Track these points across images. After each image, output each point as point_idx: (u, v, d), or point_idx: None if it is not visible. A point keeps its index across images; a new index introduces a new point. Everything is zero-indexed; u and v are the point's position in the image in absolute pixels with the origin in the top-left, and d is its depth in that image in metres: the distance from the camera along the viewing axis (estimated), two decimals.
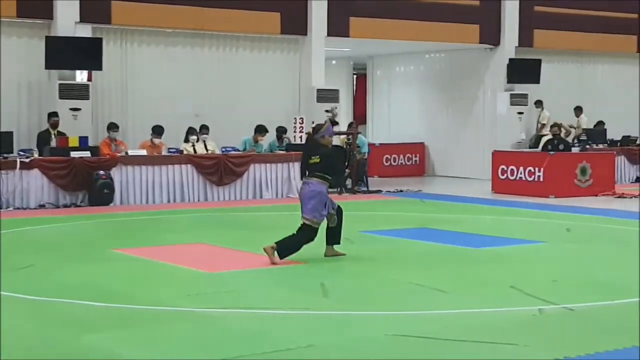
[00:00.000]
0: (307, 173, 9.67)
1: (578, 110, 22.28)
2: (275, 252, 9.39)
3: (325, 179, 9.61)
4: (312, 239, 9.52)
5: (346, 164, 17.75)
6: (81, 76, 17.08)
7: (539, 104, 21.53)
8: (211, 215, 14.38)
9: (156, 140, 16.40)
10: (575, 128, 21.84)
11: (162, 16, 17.50)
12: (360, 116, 25.79)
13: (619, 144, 20.79)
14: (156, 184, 15.76)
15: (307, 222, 9.50)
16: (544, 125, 21.32)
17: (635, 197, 17.06)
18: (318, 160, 9.60)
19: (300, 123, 17.94)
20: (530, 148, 20.94)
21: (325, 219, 9.61)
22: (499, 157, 18.45)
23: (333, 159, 9.75)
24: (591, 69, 23.62)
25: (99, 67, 16.43)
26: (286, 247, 9.44)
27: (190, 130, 16.77)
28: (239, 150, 17.00)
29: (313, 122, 17.72)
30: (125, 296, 7.70)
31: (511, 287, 8.04)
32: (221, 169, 16.30)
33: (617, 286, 8.29)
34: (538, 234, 12.10)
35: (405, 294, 7.98)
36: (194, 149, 16.56)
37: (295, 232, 9.56)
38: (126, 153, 15.82)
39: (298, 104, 19.15)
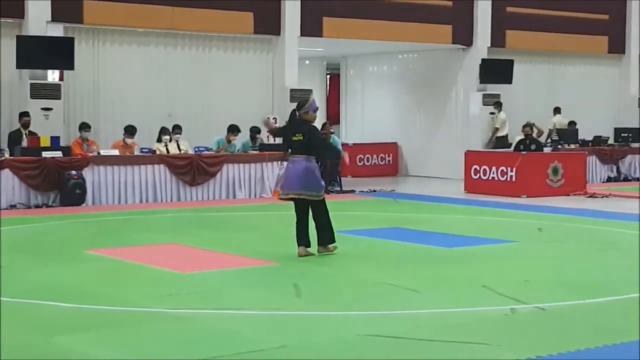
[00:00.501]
0: (289, 151, 9.72)
1: (555, 110, 22.37)
2: (328, 246, 9.70)
3: (311, 155, 9.70)
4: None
5: (319, 163, 17.84)
6: (53, 76, 16.96)
7: (497, 105, 21.58)
8: (184, 215, 14.34)
9: (128, 140, 16.33)
10: (551, 129, 21.92)
11: (134, 16, 17.42)
12: (333, 116, 25.80)
13: (590, 144, 20.94)
14: (129, 184, 15.69)
15: (312, 197, 9.62)
16: (497, 129, 21.32)
17: (606, 196, 17.21)
18: (302, 137, 9.68)
19: (273, 123, 17.89)
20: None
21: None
22: (471, 157, 18.53)
23: (316, 135, 9.80)
24: (563, 69, 23.79)
25: (70, 66, 16.32)
26: (330, 234, 9.74)
27: (163, 130, 16.71)
28: (212, 150, 16.97)
29: (286, 122, 17.76)
30: (97, 297, 7.66)
31: (483, 286, 8.08)
32: (194, 169, 16.25)
33: (589, 286, 8.36)
34: (510, 233, 12.17)
35: (378, 294, 8.00)
36: (167, 149, 16.51)
37: (318, 221, 9.73)
38: (98, 153, 15.74)
39: (271, 103, 19.13)
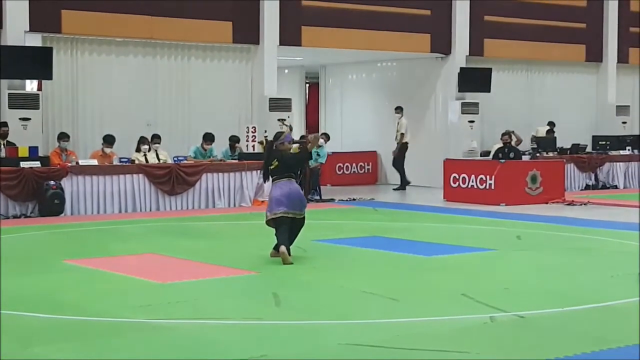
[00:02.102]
0: (271, 177, 10.30)
1: (550, 124, 22.31)
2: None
3: (292, 177, 10.33)
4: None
5: (299, 173, 17.89)
6: (31, 85, 16.87)
7: (399, 110, 21.63)
8: (163, 225, 14.28)
9: (107, 150, 16.27)
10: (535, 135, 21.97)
11: (113, 25, 17.37)
12: (312, 125, 25.82)
13: (568, 152, 21.04)
14: (107, 194, 15.62)
15: (304, 215, 10.23)
16: (403, 134, 21.35)
17: (584, 204, 17.29)
18: (277, 163, 10.21)
19: (252, 132, 17.92)
20: (395, 158, 21.20)
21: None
22: (450, 165, 18.59)
23: (290, 160, 10.33)
24: (541, 77, 23.91)
25: (49, 76, 16.24)
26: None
27: (142, 140, 16.66)
28: (192, 159, 16.93)
29: (265, 131, 17.77)
30: (75, 307, 7.61)
31: (463, 295, 8.09)
32: (173, 179, 16.21)
33: (568, 294, 8.39)
34: (489, 241, 12.20)
35: (358, 303, 7.99)
36: (146, 159, 16.45)
37: (295, 233, 10.24)
38: (77, 163, 15.66)
39: (250, 112, 19.12)
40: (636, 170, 21.73)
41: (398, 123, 21.47)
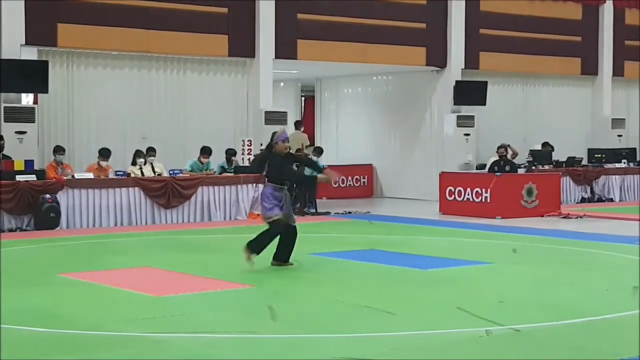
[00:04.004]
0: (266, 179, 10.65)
1: (545, 145, 22.22)
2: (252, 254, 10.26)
3: (275, 183, 10.46)
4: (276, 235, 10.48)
5: (294, 186, 17.90)
6: (27, 99, 16.89)
7: (298, 124, 21.60)
8: (159, 238, 14.27)
9: (103, 163, 16.27)
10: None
11: (108, 38, 17.40)
12: (308, 137, 25.81)
13: (564, 165, 21.07)
14: (103, 207, 15.61)
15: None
16: (299, 149, 21.22)
17: (580, 217, 17.31)
18: (267, 168, 10.58)
19: (248, 145, 17.94)
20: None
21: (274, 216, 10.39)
22: (446, 179, 18.62)
23: (278, 166, 10.46)
24: (536, 90, 23.96)
25: (44, 90, 16.25)
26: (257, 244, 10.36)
27: (138, 153, 16.66)
28: (187, 172, 16.95)
29: (261, 144, 17.76)
30: (69, 321, 7.60)
31: (458, 308, 8.09)
32: (169, 192, 16.20)
33: (563, 307, 8.38)
34: (485, 254, 12.20)
35: (354, 316, 7.99)
36: (142, 172, 16.45)
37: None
38: (72, 176, 15.65)
39: (246, 126, 19.13)
40: (632, 183, 21.76)
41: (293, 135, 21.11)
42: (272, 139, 10.66)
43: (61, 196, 15.19)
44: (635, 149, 23.15)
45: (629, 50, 24.70)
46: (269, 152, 10.64)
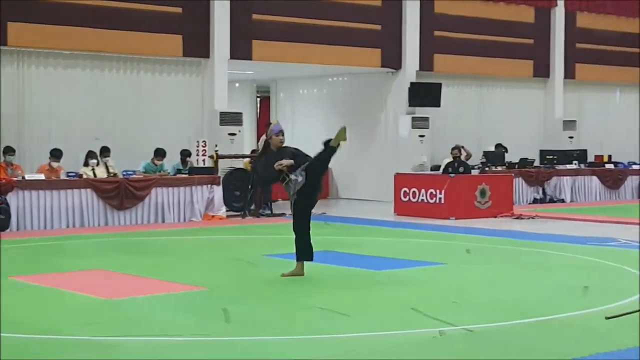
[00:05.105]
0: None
1: (498, 146, 22.33)
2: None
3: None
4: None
5: (250, 187, 17.83)
6: None
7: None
8: (111, 240, 14.13)
9: (54, 164, 16.07)
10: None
11: (60, 38, 17.20)
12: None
13: (517, 166, 21.26)
14: (54, 209, 15.42)
15: None
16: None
17: (532, 218, 17.48)
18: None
19: (202, 146, 17.83)
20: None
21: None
22: (400, 179, 18.69)
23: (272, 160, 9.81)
24: (490, 92, 24.16)
25: None
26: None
27: (90, 154, 16.49)
28: (141, 173, 16.82)
29: (216, 145, 17.73)
30: (19, 324, 7.47)
31: (412, 309, 8.10)
32: (122, 193, 16.05)
33: (516, 307, 8.44)
34: (439, 255, 12.25)
35: (308, 318, 7.97)
36: (94, 173, 16.28)
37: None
38: (23, 177, 15.44)
39: (201, 126, 19.02)
40: (583, 185, 22.05)
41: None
42: (266, 134, 10.07)
43: (11, 198, 14.97)
44: (586, 150, 23.46)
45: (581, 53, 25.02)
46: (265, 149, 10.03)
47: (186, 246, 13.81)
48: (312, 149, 25.03)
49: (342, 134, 9.83)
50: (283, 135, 9.95)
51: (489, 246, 13.35)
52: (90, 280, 10.07)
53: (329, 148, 9.89)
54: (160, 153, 17.19)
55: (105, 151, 16.72)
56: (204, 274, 10.32)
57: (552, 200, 21.33)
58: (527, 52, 24.10)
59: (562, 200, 21.48)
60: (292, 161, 9.76)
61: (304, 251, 9.99)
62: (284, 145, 9.99)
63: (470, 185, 17.93)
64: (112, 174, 16.42)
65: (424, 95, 21.68)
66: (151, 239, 14.43)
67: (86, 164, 16.41)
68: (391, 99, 22.20)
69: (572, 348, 6.68)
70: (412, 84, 21.63)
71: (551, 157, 22.29)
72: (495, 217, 17.63)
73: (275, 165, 9.63)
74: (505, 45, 23.52)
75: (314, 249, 10.06)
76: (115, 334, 7.19)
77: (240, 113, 19.52)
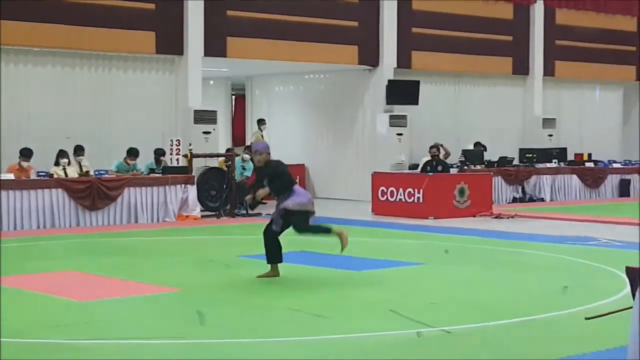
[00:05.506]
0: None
1: (477, 144, 22.38)
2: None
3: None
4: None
5: (225, 187, 17.81)
6: None
7: (260, 123, 21.79)
8: (83, 241, 14.08)
9: (24, 164, 15.97)
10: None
11: (30, 34, 17.08)
12: (239, 137, 25.75)
13: (496, 164, 21.35)
14: (25, 209, 15.33)
15: None
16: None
17: (511, 217, 17.57)
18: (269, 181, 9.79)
19: (176, 145, 17.78)
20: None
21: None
22: (378, 178, 18.73)
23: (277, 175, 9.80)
24: (469, 90, 24.24)
25: None
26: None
27: (61, 153, 16.40)
28: (113, 172, 16.76)
29: (190, 144, 17.69)
30: None
31: (390, 310, 8.13)
32: (94, 193, 15.98)
33: (495, 307, 8.50)
34: (417, 255, 12.31)
35: (284, 320, 7.98)
36: (65, 173, 16.21)
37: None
38: None
39: (175, 125, 18.98)
40: (562, 183, 22.17)
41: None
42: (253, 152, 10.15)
43: None
44: (565, 149, 23.57)
45: (560, 50, 25.16)
46: (258, 171, 10.04)
47: (160, 247, 13.78)
48: (288, 147, 24.97)
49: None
50: (260, 154, 9.89)
51: (468, 246, 13.42)
52: (62, 282, 10.03)
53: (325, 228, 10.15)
54: (133, 152, 17.15)
55: (79, 150, 16.64)
56: (178, 276, 10.30)
57: (531, 199, 21.44)
58: (506, 49, 24.21)
59: (542, 199, 21.60)
60: (265, 191, 9.84)
61: (277, 253, 9.97)
62: (271, 160, 9.98)
63: (449, 185, 18.00)
64: (85, 172, 16.34)
65: (402, 92, 21.73)
66: (124, 239, 14.38)
67: (57, 164, 16.32)
68: (368, 96, 22.24)
69: (551, 349, 6.73)
70: (389, 81, 21.67)
71: (531, 155, 22.40)
72: (474, 216, 17.70)
73: (246, 199, 9.72)
74: (484, 42, 23.62)
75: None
76: (88, 336, 7.17)
77: (215, 111, 19.49)
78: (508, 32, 24.17)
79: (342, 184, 22.77)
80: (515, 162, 22.25)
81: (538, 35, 24.63)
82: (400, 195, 18.05)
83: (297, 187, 9.90)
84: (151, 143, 17.92)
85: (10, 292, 9.30)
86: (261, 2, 19.96)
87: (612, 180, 23.16)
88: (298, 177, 23.60)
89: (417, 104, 21.88)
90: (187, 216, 17.03)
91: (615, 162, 24.12)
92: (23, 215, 15.33)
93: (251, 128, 25.28)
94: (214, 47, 19.30)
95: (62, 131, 17.63)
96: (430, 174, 18.15)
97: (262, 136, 21.54)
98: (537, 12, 24.60)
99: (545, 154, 22.63)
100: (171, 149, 17.74)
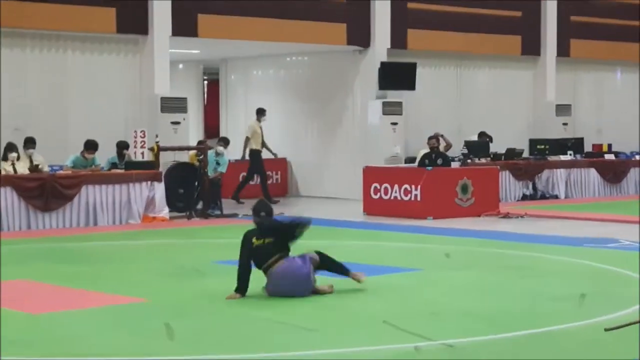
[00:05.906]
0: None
1: (482, 134, 22.45)
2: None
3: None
4: None
5: (196, 184, 17.83)
6: None
7: (259, 112, 21.94)
8: (36, 246, 14.08)
9: None
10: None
11: None
12: (212, 127, 25.76)
13: (503, 157, 21.37)
14: None
15: None
16: (248, 138, 21.61)
17: (521, 217, 17.64)
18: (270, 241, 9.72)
19: (141, 137, 17.77)
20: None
21: None
22: (370, 174, 18.77)
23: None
24: (472, 73, 24.30)
25: None
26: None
27: (10, 147, 16.38)
28: (69, 168, 16.76)
29: (157, 136, 17.68)
30: None
31: (384, 322, 8.17)
32: (47, 192, 15.98)
33: (503, 318, 8.53)
34: (414, 260, 12.35)
35: (267, 334, 8.00)
36: (14, 169, 16.19)
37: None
38: None
39: (139, 114, 18.97)
40: (579, 178, 22.20)
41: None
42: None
43: None
44: (582, 139, 23.62)
45: (576, 27, 25.19)
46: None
47: (123, 252, 13.78)
48: (268, 138, 24.86)
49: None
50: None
51: (471, 249, 13.47)
52: (13, 293, 10.01)
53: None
54: (91, 146, 17.11)
55: (29, 143, 16.62)
56: (143, 285, 10.31)
57: (543, 197, 21.52)
58: (515, 27, 24.26)
59: (556, 197, 21.67)
60: None
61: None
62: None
63: (450, 180, 18.05)
64: (36, 167, 16.30)
65: (397, 76, 21.75)
66: (82, 244, 14.38)
67: (5, 159, 16.31)
68: (359, 81, 22.27)
69: None
70: (382, 64, 21.70)
71: (542, 147, 22.46)
72: (479, 216, 17.77)
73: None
74: (489, 19, 23.67)
75: None
76: (43, 354, 7.19)
77: (185, 98, 19.51)
78: (516, 6, 24.21)
79: (329, 180, 22.81)
80: (525, 154, 22.32)
81: (551, 10, 24.68)
82: (395, 192, 18.09)
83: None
84: (112, 135, 17.92)
85: None
86: None
87: (634, 175, 23.21)
88: (279, 172, 23.70)
89: (413, 89, 21.92)
90: (153, 217, 17.04)
91: (638, 153, 24.22)
92: None
93: (227, 117, 25.31)
94: (183, 26, 19.28)
95: (9, 122, 17.60)
96: (429, 168, 18.20)
97: (260, 129, 21.55)
98: None
99: (559, 145, 22.69)
100: (135, 141, 17.72)
